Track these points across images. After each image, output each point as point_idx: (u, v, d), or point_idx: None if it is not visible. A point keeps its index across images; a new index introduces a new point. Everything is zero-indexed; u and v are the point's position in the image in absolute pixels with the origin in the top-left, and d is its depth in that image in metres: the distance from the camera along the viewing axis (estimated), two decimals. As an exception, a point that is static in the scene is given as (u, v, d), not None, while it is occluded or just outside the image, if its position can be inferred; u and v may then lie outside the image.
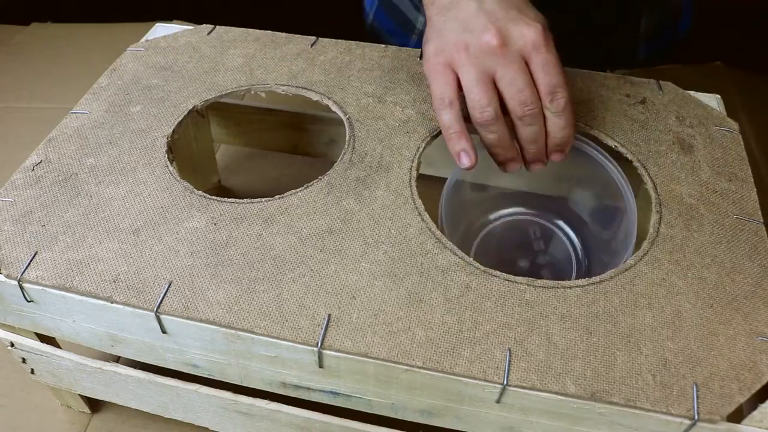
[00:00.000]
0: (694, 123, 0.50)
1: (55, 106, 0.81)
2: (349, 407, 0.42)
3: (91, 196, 0.44)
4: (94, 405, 0.56)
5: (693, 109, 0.52)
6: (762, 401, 0.36)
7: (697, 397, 0.35)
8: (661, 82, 0.54)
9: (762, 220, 0.44)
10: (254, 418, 0.46)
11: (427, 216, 0.43)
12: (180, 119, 0.51)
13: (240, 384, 0.43)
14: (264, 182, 0.73)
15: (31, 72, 0.90)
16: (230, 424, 0.48)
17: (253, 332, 0.38)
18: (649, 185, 0.46)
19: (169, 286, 0.39)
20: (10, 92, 0.87)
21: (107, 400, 0.52)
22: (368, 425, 0.44)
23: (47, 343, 0.48)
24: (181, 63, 0.56)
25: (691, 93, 0.53)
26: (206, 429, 0.50)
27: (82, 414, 0.55)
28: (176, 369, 0.44)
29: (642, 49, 0.73)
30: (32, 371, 0.51)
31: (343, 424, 0.44)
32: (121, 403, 0.51)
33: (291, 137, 0.67)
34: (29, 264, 0.40)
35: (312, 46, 0.59)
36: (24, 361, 0.50)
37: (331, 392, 0.41)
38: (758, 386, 0.36)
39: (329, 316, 0.38)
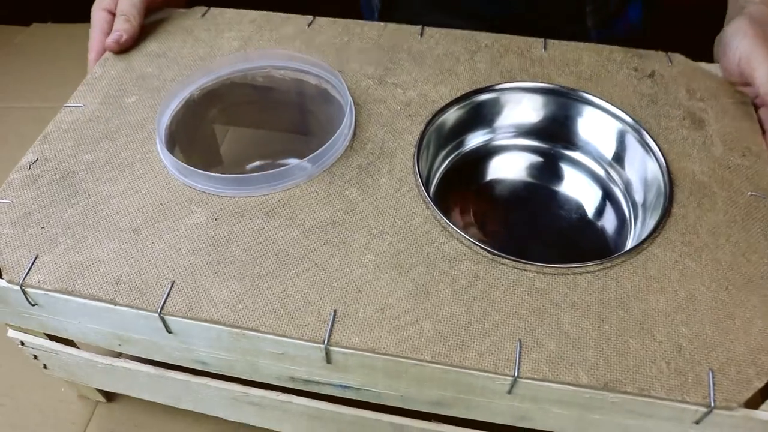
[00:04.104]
0: (705, 96, 0.49)
1: (56, 106, 0.80)
2: (359, 399, 0.41)
3: (89, 195, 0.44)
4: (110, 394, 0.56)
5: (704, 81, 0.50)
6: (780, 385, 0.35)
7: (713, 383, 0.34)
8: (670, 53, 0.52)
9: (777, 196, 0.43)
10: (266, 408, 0.46)
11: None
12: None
13: (249, 379, 0.43)
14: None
15: (32, 72, 0.90)
16: (243, 415, 0.48)
17: (258, 331, 0.37)
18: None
19: (171, 286, 0.39)
20: (10, 92, 0.87)
21: (120, 392, 0.52)
22: (379, 413, 0.44)
23: (57, 341, 0.47)
24: (176, 49, 0.55)
25: (702, 64, 0.51)
26: (214, 417, 0.50)
27: (82, 413, 0.55)
28: (184, 366, 0.43)
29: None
30: (45, 366, 0.51)
31: (354, 413, 0.44)
32: (134, 395, 0.51)
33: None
34: (30, 268, 0.40)
35: (309, 26, 0.57)
36: (36, 357, 0.49)
37: (341, 386, 0.40)
38: (776, 370, 0.35)
39: (335, 311, 0.38)
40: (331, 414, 0.44)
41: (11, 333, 0.47)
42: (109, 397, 0.56)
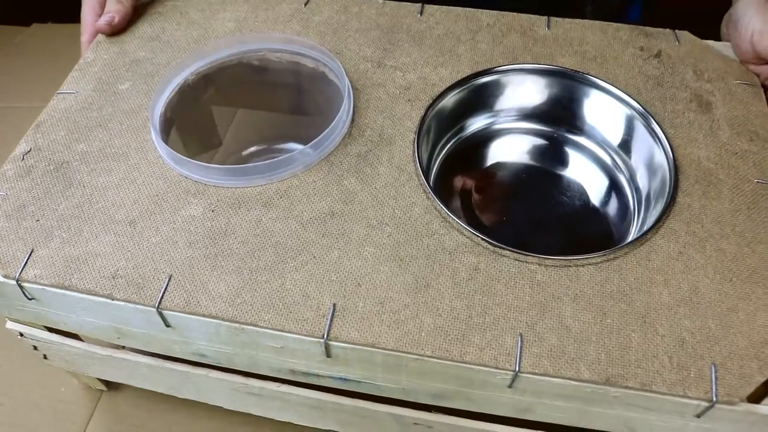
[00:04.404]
0: (713, 77, 0.47)
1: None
2: (359, 391, 0.41)
3: (84, 186, 0.43)
4: (112, 384, 0.56)
5: (712, 61, 0.48)
6: (783, 379, 0.35)
7: (716, 378, 0.34)
8: (677, 31, 0.51)
9: (784, 182, 0.42)
10: (266, 398, 0.46)
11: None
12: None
13: (249, 371, 0.43)
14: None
15: (32, 72, 0.90)
16: (243, 404, 0.48)
17: (257, 325, 0.37)
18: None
19: (169, 280, 0.38)
20: (11, 92, 0.87)
21: (122, 381, 0.52)
22: (379, 404, 0.44)
23: (56, 333, 0.47)
24: (169, 32, 0.53)
25: (710, 42, 0.50)
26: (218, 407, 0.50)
27: (81, 412, 0.55)
28: (184, 358, 0.43)
29: None
30: (45, 357, 0.51)
31: (354, 404, 0.44)
32: (134, 385, 0.51)
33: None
34: (26, 262, 0.39)
35: (306, 5, 0.56)
36: (35, 348, 0.49)
37: (341, 378, 0.40)
38: (779, 364, 0.35)
39: (334, 305, 0.37)
40: (331, 404, 0.44)
41: (10, 324, 0.47)
42: (111, 386, 0.56)
